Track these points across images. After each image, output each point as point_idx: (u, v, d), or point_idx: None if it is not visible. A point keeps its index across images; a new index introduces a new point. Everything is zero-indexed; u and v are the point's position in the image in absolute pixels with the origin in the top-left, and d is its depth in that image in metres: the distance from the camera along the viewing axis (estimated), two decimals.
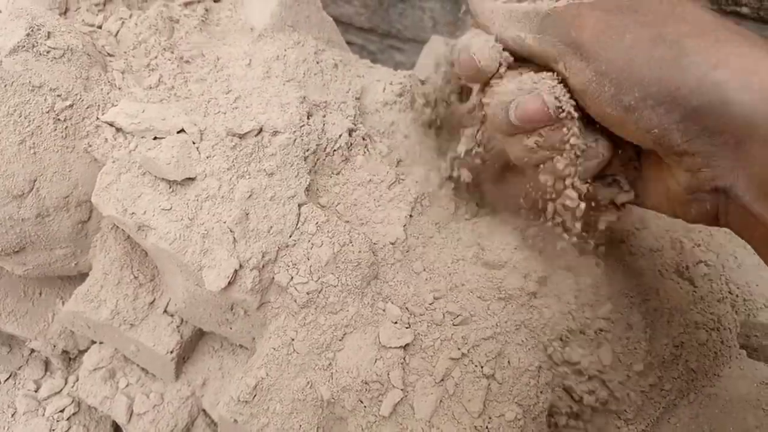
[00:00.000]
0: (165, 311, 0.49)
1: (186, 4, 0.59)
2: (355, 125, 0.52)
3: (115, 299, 0.49)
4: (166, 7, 0.57)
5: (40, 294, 0.54)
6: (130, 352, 0.50)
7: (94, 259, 0.50)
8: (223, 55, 0.54)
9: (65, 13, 0.58)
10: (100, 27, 0.58)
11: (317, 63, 0.56)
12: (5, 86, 0.44)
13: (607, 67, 0.32)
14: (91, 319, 0.49)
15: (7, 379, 0.56)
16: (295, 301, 0.43)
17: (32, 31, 0.46)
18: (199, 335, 0.52)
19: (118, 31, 0.57)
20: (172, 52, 0.54)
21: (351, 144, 0.51)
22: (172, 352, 0.49)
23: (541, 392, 0.43)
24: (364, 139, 0.52)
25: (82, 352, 0.57)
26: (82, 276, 0.53)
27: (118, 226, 0.50)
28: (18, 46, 0.45)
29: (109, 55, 0.53)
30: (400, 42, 1.04)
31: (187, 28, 0.57)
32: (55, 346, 0.54)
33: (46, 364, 0.58)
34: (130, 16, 0.58)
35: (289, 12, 0.59)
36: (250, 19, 0.58)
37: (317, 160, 0.49)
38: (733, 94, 0.28)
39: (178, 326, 0.49)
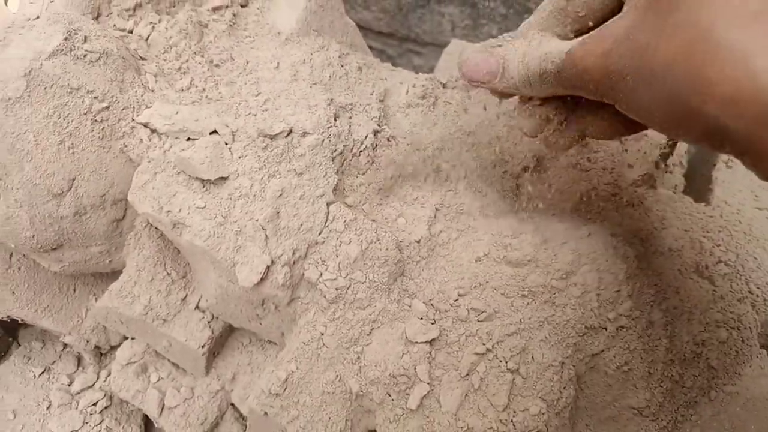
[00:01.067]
0: (197, 307, 0.51)
1: (214, 9, 0.61)
2: (380, 126, 0.54)
3: (149, 295, 0.50)
4: (195, 12, 0.59)
5: (74, 290, 0.56)
6: (162, 347, 0.52)
7: (127, 256, 0.52)
8: (252, 59, 0.56)
9: (97, 18, 0.60)
10: (131, 32, 0.60)
11: (342, 66, 0.58)
12: (45, 89, 0.46)
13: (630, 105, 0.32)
14: (125, 314, 0.50)
15: (42, 373, 0.58)
16: (325, 296, 0.44)
17: (70, 35, 0.48)
18: (229, 331, 0.53)
19: (149, 36, 0.58)
20: (203, 56, 0.56)
21: (376, 145, 0.52)
22: (203, 346, 0.50)
23: (564, 388, 0.44)
24: (389, 140, 0.53)
25: (113, 348, 0.58)
26: (115, 273, 0.54)
27: (151, 224, 0.51)
28: (57, 50, 0.47)
29: (142, 58, 0.55)
30: (418, 46, 1.05)
31: (216, 32, 0.58)
32: (88, 342, 0.56)
33: (79, 359, 0.59)
34: (160, 20, 0.60)
35: (314, 17, 0.61)
36: (276, 24, 0.60)
37: (344, 160, 0.50)
38: None
39: (209, 322, 0.51)
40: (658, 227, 0.55)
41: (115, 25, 0.60)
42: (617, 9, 0.35)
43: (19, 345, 0.62)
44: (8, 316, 0.53)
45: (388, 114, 0.57)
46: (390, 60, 1.07)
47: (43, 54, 0.46)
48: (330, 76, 0.56)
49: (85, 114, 0.47)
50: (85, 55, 0.48)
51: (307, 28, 0.60)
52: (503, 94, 0.42)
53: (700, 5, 0.28)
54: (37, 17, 0.50)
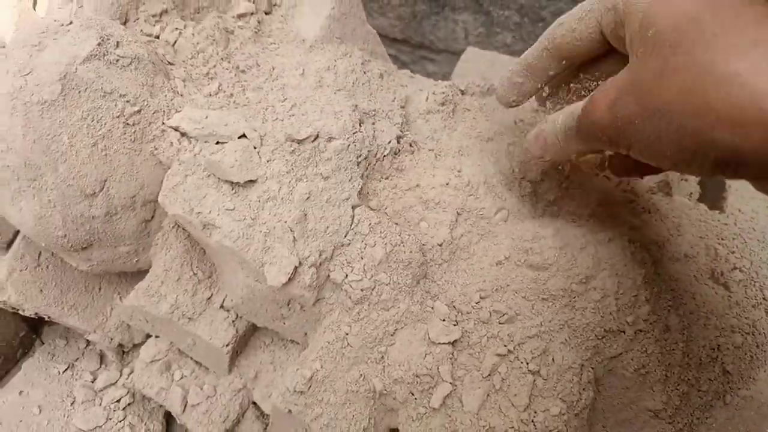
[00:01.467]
0: (221, 306, 0.52)
1: (239, 16, 0.62)
2: (403, 132, 0.55)
3: (175, 294, 0.51)
4: (221, 19, 0.60)
5: (99, 289, 0.57)
6: (186, 346, 0.53)
7: (154, 256, 0.53)
8: (278, 65, 0.57)
9: (125, 23, 0.61)
10: (157, 37, 0.61)
11: (364, 73, 0.59)
12: (79, 92, 0.47)
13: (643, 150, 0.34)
14: (151, 313, 0.51)
15: (65, 369, 0.59)
16: (350, 297, 0.46)
17: (102, 40, 0.50)
18: (252, 330, 0.55)
19: (175, 41, 0.60)
20: (229, 62, 0.57)
21: (399, 150, 0.54)
22: (227, 345, 0.51)
23: (583, 389, 0.45)
24: (411, 145, 0.55)
25: (136, 346, 0.60)
26: (140, 273, 0.56)
27: (178, 225, 0.53)
28: (91, 55, 0.48)
29: (170, 63, 0.56)
30: (432, 53, 1.07)
31: (241, 39, 0.60)
32: (112, 340, 0.57)
33: (101, 356, 0.61)
34: (185, 26, 0.61)
35: (337, 25, 0.62)
36: (300, 31, 0.61)
37: (368, 164, 0.51)
38: None
39: (233, 321, 0.52)
40: (673, 234, 0.56)
41: (141, 31, 0.61)
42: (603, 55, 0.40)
43: (43, 342, 0.63)
44: (36, 313, 0.54)
45: (409, 120, 0.58)
46: (404, 66, 1.09)
47: (78, 58, 0.48)
48: (353, 83, 0.57)
49: (118, 117, 0.48)
50: (117, 60, 0.50)
51: (331, 35, 0.61)
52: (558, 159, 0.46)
53: (699, 45, 0.30)
54: (71, 22, 0.51)
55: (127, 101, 0.49)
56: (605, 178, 0.62)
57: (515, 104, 0.48)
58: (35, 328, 0.63)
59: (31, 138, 0.46)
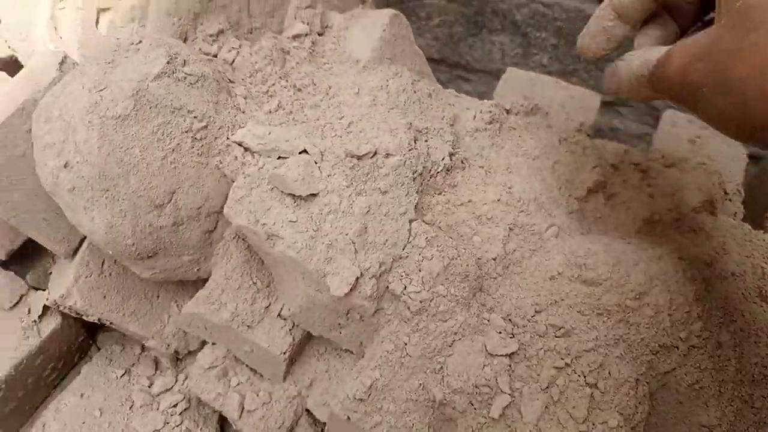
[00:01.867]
0: (279, 315, 0.54)
1: (295, 37, 0.65)
2: (454, 149, 0.57)
3: (235, 303, 0.53)
4: (276, 39, 0.63)
5: (158, 297, 0.59)
6: (243, 353, 0.55)
7: (214, 265, 0.55)
8: (333, 84, 0.59)
9: (184, 42, 0.64)
10: (215, 56, 0.64)
11: (414, 92, 0.61)
12: (150, 108, 0.50)
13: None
14: (211, 320, 0.53)
15: (123, 374, 0.61)
16: (409, 308, 0.47)
17: (171, 59, 0.52)
18: (307, 339, 0.56)
19: (233, 60, 0.62)
20: (287, 80, 0.59)
21: (451, 167, 0.55)
22: (284, 353, 0.53)
23: (639, 403, 0.45)
24: (462, 162, 0.56)
25: (191, 353, 0.61)
26: (196, 282, 0.58)
27: (239, 236, 0.54)
28: (161, 73, 0.51)
29: (230, 81, 0.59)
30: (467, 72, 1.09)
31: (297, 58, 0.62)
32: (168, 346, 0.59)
33: (156, 362, 0.62)
34: (241, 46, 0.64)
35: (388, 46, 0.64)
36: (354, 52, 0.63)
37: (423, 180, 0.53)
38: None
39: (290, 330, 0.53)
40: (719, 252, 0.57)
41: (200, 49, 0.64)
42: None
43: (99, 347, 0.65)
44: (99, 319, 0.56)
45: (458, 137, 0.60)
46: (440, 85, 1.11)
47: (149, 76, 0.50)
48: (405, 102, 0.59)
49: (186, 132, 0.51)
50: (185, 78, 0.52)
51: (382, 56, 0.63)
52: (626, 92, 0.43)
53: None
54: (140, 41, 0.54)
55: (195, 117, 0.51)
56: (649, 198, 0.63)
57: (605, 53, 0.45)
58: (92, 332, 0.65)
59: (106, 150, 0.48)
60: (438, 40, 1.03)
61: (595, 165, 0.63)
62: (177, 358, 0.62)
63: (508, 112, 0.66)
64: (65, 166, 0.48)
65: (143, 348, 0.63)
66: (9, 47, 0.75)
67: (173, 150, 0.50)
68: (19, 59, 0.76)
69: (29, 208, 0.53)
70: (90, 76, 0.51)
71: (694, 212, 0.62)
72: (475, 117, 0.62)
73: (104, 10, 0.67)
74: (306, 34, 0.65)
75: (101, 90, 0.50)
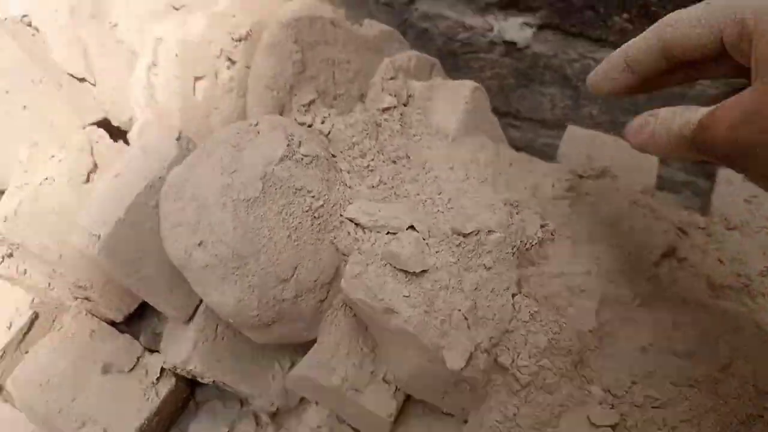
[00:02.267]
0: (383, 379, 0.58)
1: (384, 110, 0.69)
2: (543, 221, 0.61)
3: (345, 367, 0.57)
4: (369, 112, 0.67)
5: (263, 357, 0.63)
6: (349, 415, 0.59)
7: (322, 330, 0.59)
8: (428, 158, 0.63)
9: (281, 113, 0.68)
10: (310, 125, 0.68)
11: (500, 164, 0.65)
12: (275, 190, 0.54)
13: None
14: (322, 384, 0.57)
15: (229, 431, 0.65)
16: (518, 380, 0.51)
17: (290, 141, 0.57)
18: (405, 401, 0.60)
19: (329, 132, 0.66)
20: (383, 154, 0.64)
21: (543, 239, 0.60)
22: (390, 416, 0.57)
23: None
24: (552, 233, 0.61)
25: (290, 410, 0.65)
26: (300, 344, 0.62)
27: (346, 305, 0.59)
28: (284, 156, 0.55)
29: (332, 155, 0.63)
30: (516, 120, 1.13)
31: (389, 131, 0.66)
32: (272, 404, 0.63)
33: (256, 418, 0.66)
34: (329, 114, 0.68)
35: (471, 117, 0.69)
36: (441, 125, 0.67)
37: (520, 254, 0.57)
38: None
39: (393, 393, 0.57)
40: None
41: (295, 119, 0.68)
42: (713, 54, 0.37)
43: (196, 402, 0.69)
44: (213, 380, 0.60)
45: (542, 207, 0.64)
46: None
47: (274, 159, 0.55)
48: (492, 174, 0.64)
49: (307, 211, 0.55)
50: (302, 159, 0.57)
51: (467, 127, 0.68)
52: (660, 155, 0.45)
53: None
54: (257, 123, 0.58)
55: (313, 196, 0.56)
56: (718, 262, 0.68)
57: (609, 95, 0.45)
58: (192, 388, 0.69)
59: (240, 232, 0.52)
60: (490, 91, 1.07)
61: (665, 229, 0.67)
62: (274, 414, 0.66)
63: (581, 177, 0.71)
64: (199, 244, 0.53)
65: (242, 403, 0.67)
66: (103, 110, 0.80)
67: (296, 228, 0.54)
68: (112, 122, 0.80)
69: (156, 279, 0.58)
70: (217, 157, 0.55)
71: (760, 276, 0.66)
72: (554, 185, 0.67)
73: (199, 78, 0.72)
74: (394, 106, 0.69)
75: (232, 173, 0.54)
